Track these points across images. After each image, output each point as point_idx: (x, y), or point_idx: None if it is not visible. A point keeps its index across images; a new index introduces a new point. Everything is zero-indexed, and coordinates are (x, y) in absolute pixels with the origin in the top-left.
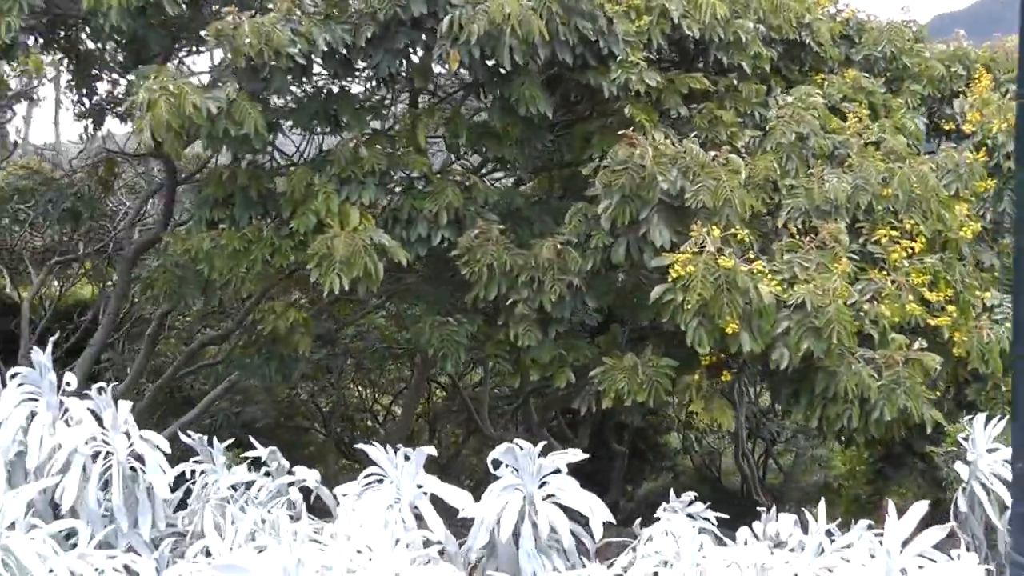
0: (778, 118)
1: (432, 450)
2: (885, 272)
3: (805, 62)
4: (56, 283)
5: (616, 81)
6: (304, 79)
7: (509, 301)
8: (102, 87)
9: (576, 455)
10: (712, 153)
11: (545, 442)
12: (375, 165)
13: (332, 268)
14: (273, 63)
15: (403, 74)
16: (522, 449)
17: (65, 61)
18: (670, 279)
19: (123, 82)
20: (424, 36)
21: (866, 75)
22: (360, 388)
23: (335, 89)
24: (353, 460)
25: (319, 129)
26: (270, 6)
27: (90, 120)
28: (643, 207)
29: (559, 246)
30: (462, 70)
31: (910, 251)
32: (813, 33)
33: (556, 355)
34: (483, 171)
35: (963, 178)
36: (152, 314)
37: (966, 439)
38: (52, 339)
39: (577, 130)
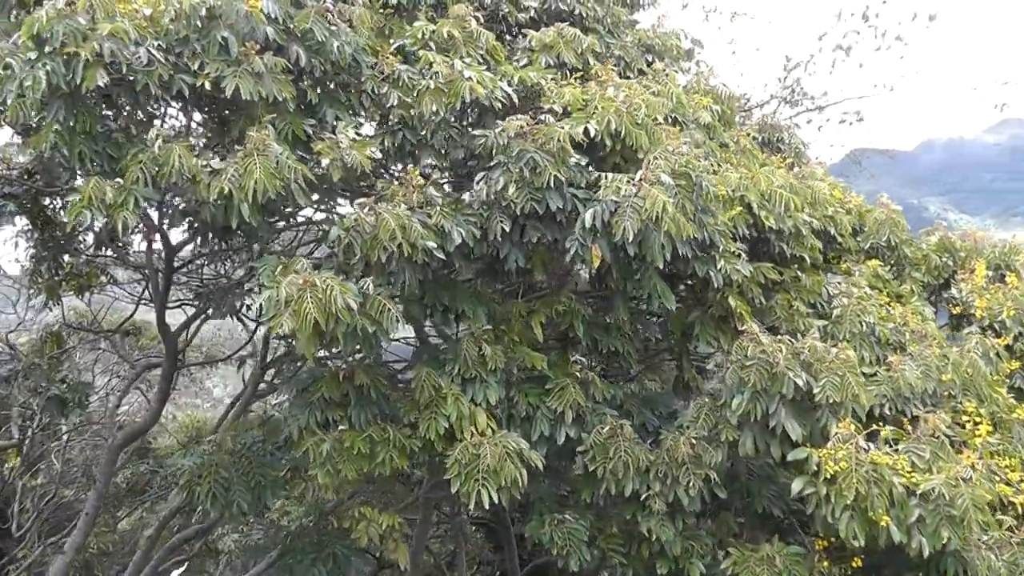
0: (843, 307)
1: None
2: (967, 455)
3: (830, 251)
4: None
5: (722, 271)
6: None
7: (643, 496)
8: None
9: None
10: (833, 349)
11: None
12: (497, 364)
13: (475, 478)
14: (405, 256)
15: (524, 266)
16: None
17: (32, 232)
18: (808, 472)
19: None
20: (554, 230)
21: (880, 264)
22: None
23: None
24: None
25: (430, 321)
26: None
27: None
28: (770, 401)
29: (693, 441)
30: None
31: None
32: (836, 225)
33: (687, 547)
34: (593, 364)
35: (994, 362)
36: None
37: None
38: None
39: (675, 321)
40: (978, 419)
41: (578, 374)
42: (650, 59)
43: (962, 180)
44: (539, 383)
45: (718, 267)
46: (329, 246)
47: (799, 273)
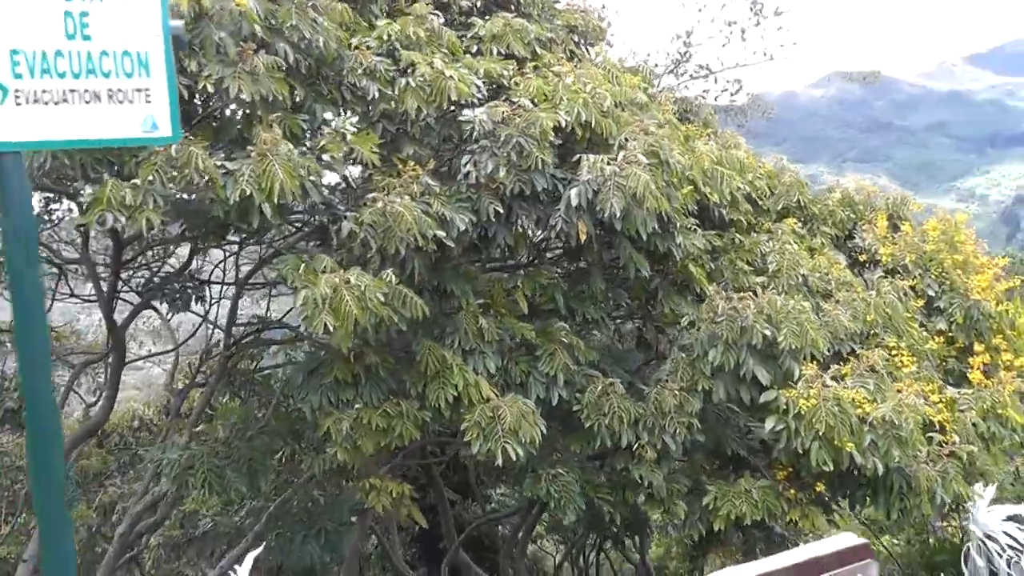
0: (779, 262)
1: None
2: (900, 384)
3: (754, 214)
4: None
5: (681, 246)
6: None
7: (636, 445)
8: None
9: None
10: (791, 302)
11: None
12: (493, 335)
13: (495, 437)
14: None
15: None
16: None
17: None
18: (778, 411)
19: None
20: (538, 209)
21: (794, 221)
22: None
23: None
24: None
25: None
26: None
27: None
28: (740, 352)
29: (677, 393)
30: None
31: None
32: (757, 189)
33: (671, 488)
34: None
35: (903, 301)
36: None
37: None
38: None
39: (638, 288)
40: (899, 352)
41: (563, 339)
42: (576, 39)
43: (792, 131)
44: (528, 351)
45: (677, 242)
46: (340, 240)
47: (736, 236)
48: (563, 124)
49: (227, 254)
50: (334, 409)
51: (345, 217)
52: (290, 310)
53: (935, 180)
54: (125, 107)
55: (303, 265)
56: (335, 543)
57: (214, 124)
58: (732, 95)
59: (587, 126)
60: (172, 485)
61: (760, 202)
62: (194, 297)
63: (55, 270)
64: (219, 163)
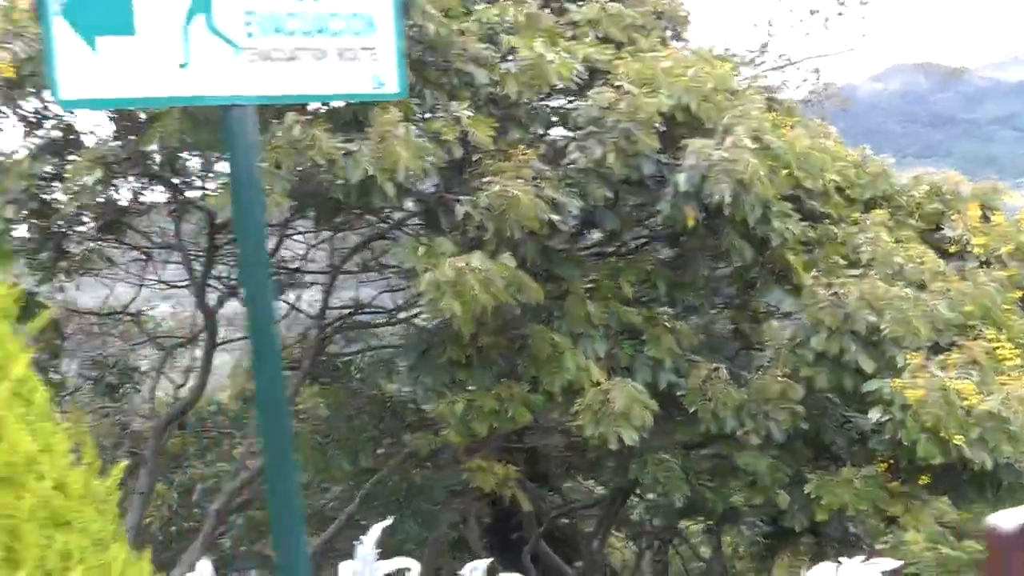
0: (873, 252)
1: None
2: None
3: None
4: None
5: (778, 231)
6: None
7: (736, 433)
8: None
9: None
10: (893, 289)
11: None
12: (601, 319)
13: (606, 421)
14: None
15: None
16: None
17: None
18: (883, 401)
19: None
20: (644, 194)
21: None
22: None
23: None
24: None
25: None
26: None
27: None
28: (843, 339)
29: (780, 379)
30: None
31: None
32: (845, 178)
33: (775, 478)
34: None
35: (1000, 292)
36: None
37: None
38: None
39: (737, 277)
40: (1000, 344)
41: (666, 324)
42: (663, 25)
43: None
44: (632, 335)
45: (775, 226)
46: (453, 223)
47: (830, 228)
48: (666, 110)
49: (314, 242)
50: (447, 390)
51: (459, 201)
52: (379, 293)
53: (1002, 174)
54: (353, 64)
55: (423, 249)
56: (430, 524)
57: (325, 107)
58: (811, 86)
59: (688, 111)
60: None
61: (849, 192)
62: (285, 283)
63: (143, 257)
64: (340, 145)
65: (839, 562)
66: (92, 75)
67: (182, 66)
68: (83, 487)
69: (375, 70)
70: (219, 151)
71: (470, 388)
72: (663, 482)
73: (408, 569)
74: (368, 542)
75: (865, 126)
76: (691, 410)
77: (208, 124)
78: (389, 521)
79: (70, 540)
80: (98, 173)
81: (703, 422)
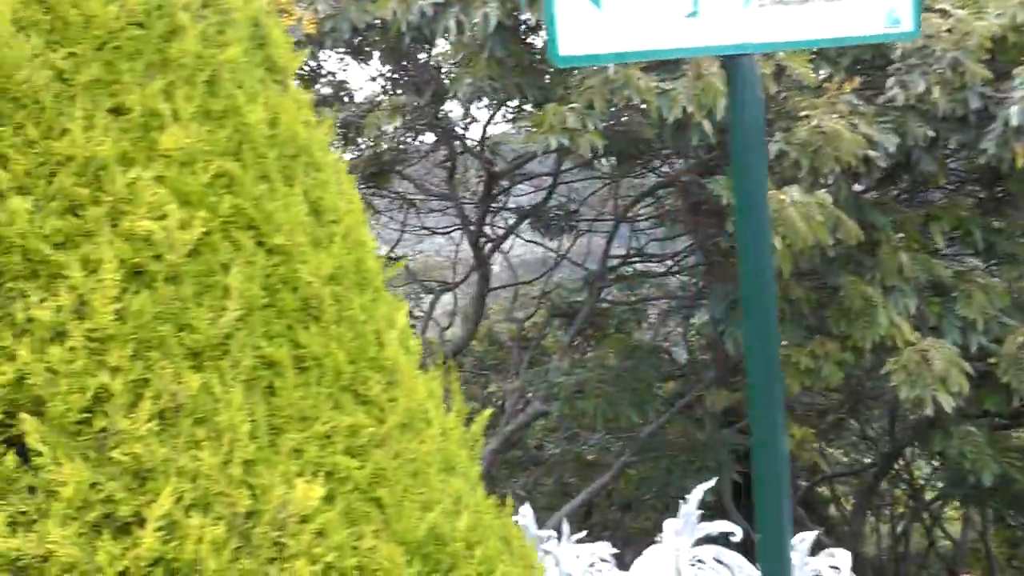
0: None
1: None
2: None
3: None
4: None
5: None
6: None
7: None
8: None
9: None
10: None
11: None
12: (913, 272)
13: (925, 383)
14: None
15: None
16: None
17: None
18: None
19: None
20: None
21: None
22: None
23: None
24: None
25: None
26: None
27: None
28: None
29: None
30: None
31: None
32: None
33: None
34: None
35: None
36: None
37: None
38: None
39: None
40: None
41: (979, 280)
42: None
43: None
44: (938, 291)
45: None
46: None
47: None
48: (996, 31)
49: (599, 188)
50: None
51: (772, 137)
52: (653, 240)
53: None
54: (867, 3)
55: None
56: (703, 481)
57: None
58: None
59: (1020, 30)
60: (565, 407)
61: None
62: (566, 225)
63: (408, 204)
64: (655, 84)
65: None
66: (594, 31)
67: (690, 15)
68: (460, 432)
69: (891, 6)
70: (515, 97)
71: (783, 343)
72: (970, 457)
73: (732, 533)
74: (692, 501)
75: None
76: (1002, 380)
77: (516, 70)
78: (712, 482)
79: (458, 484)
80: (396, 121)
81: (1018, 394)
